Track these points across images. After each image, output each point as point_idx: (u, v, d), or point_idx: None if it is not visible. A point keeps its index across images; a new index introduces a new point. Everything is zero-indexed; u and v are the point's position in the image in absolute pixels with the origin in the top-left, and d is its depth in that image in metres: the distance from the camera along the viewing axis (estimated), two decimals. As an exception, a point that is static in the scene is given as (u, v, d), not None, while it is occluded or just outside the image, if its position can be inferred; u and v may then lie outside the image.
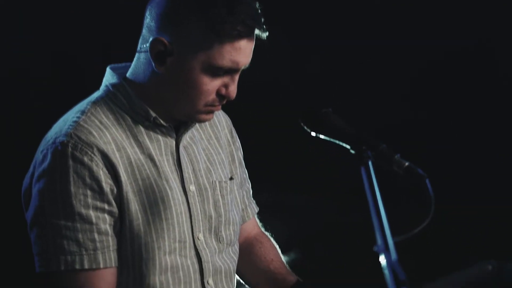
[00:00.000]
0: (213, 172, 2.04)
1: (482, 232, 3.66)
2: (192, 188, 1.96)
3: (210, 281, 1.98)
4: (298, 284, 2.15)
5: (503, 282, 1.50)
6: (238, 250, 2.13)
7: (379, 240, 1.37)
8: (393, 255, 1.31)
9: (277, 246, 2.31)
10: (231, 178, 2.10)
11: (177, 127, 1.98)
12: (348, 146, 1.66)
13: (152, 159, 1.92)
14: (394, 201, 1.48)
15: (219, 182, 2.04)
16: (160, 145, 1.95)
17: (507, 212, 3.60)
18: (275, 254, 2.26)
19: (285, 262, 2.27)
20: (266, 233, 2.36)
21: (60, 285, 1.85)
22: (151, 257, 1.88)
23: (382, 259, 1.31)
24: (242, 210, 2.20)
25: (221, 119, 2.15)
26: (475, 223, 3.68)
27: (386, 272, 1.27)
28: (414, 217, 1.53)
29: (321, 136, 1.75)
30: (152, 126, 1.94)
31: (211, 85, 1.88)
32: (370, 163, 1.57)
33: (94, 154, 1.84)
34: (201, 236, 1.96)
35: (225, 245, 2.03)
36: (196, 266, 1.96)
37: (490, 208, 3.64)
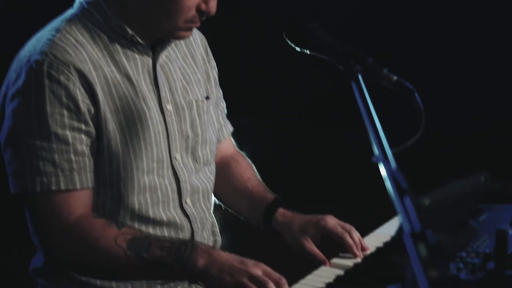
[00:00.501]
0: (189, 91, 2.01)
1: (477, 145, 3.71)
2: (169, 107, 1.93)
3: (188, 201, 1.98)
4: (276, 201, 2.15)
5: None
6: (214, 170, 2.13)
7: (377, 151, 1.35)
8: (393, 164, 1.30)
9: (253, 165, 2.31)
10: (207, 98, 2.08)
11: (153, 45, 1.94)
12: (335, 62, 1.63)
13: (129, 78, 1.88)
14: (387, 114, 1.46)
15: (196, 101, 2.01)
16: (137, 64, 1.91)
17: (500, 125, 3.65)
18: (252, 173, 2.26)
19: (261, 181, 2.26)
20: (242, 152, 2.35)
21: (36, 206, 1.82)
22: (129, 177, 1.86)
23: (382, 169, 1.30)
24: (218, 130, 2.18)
25: (196, 38, 2.11)
26: (469, 136, 3.73)
27: (387, 181, 1.26)
28: (408, 130, 1.53)
29: (308, 52, 1.72)
30: (129, 44, 1.90)
31: (191, 0, 1.82)
32: (360, 76, 1.55)
33: (71, 73, 1.79)
34: (178, 156, 1.95)
35: (201, 164, 2.03)
36: (174, 186, 1.94)
37: (483, 121, 3.69)
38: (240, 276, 1.68)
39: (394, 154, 1.39)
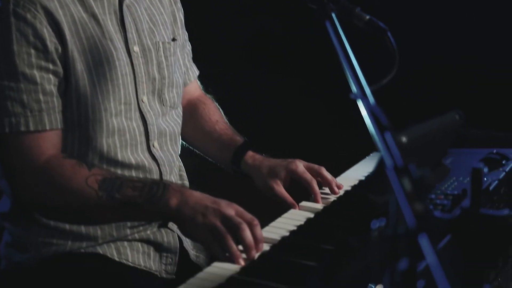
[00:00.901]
0: (156, 33, 1.98)
1: (452, 83, 3.71)
2: (136, 48, 1.90)
3: (156, 144, 1.96)
4: (245, 144, 2.14)
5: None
6: (181, 113, 2.10)
7: (354, 88, 1.33)
8: (371, 100, 1.28)
9: (220, 109, 2.29)
10: (173, 39, 2.05)
11: None
12: (308, 1, 1.60)
13: (95, 18, 1.84)
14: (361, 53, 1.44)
15: (162, 43, 1.98)
16: (103, 4, 1.87)
17: (473, 63, 3.66)
18: (220, 116, 2.25)
19: (229, 123, 2.25)
20: (208, 95, 2.33)
21: (5, 147, 1.78)
22: (98, 119, 1.82)
23: (361, 106, 1.28)
24: (184, 73, 2.16)
25: None
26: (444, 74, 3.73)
27: (367, 118, 1.24)
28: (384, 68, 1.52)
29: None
30: None
31: None
32: (334, 15, 1.52)
33: (38, 11, 1.74)
34: (145, 98, 1.92)
35: (168, 108, 2.00)
36: (142, 128, 1.92)
37: (458, 59, 3.69)
38: (213, 216, 1.66)
39: (372, 92, 1.38)
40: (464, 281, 1.41)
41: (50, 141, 1.80)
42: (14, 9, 1.74)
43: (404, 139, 1.32)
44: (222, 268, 1.62)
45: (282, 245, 1.73)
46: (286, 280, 1.52)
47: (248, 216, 1.67)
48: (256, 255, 1.66)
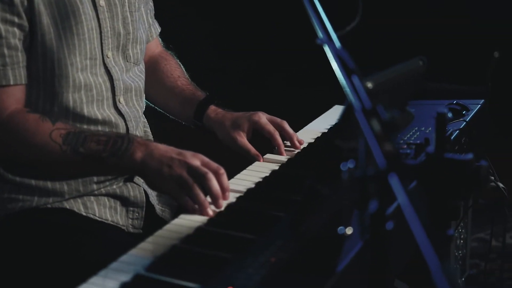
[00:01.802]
0: None
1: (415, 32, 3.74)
2: (102, 2, 1.87)
3: (121, 99, 1.94)
4: (207, 98, 2.13)
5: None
6: (144, 69, 2.08)
7: (320, 33, 1.33)
8: (337, 44, 1.28)
9: (181, 65, 2.28)
10: None
11: None
12: None
13: None
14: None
15: None
16: None
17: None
18: (181, 71, 2.24)
19: (190, 79, 2.23)
20: (170, 52, 2.31)
21: None
22: (64, 74, 1.80)
23: (327, 50, 1.28)
24: (147, 29, 2.13)
25: None
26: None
27: (334, 62, 1.24)
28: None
29: None
30: None
31: None
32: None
33: None
34: (110, 54, 1.89)
35: (132, 64, 1.99)
36: (108, 84, 1.90)
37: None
38: (179, 167, 1.65)
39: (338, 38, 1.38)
40: (428, 227, 1.43)
41: (13, 96, 1.77)
42: None
43: (369, 84, 1.32)
44: (189, 220, 1.62)
45: (248, 196, 1.74)
46: (253, 230, 1.52)
47: (214, 165, 1.67)
48: (223, 204, 1.66)
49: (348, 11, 1.61)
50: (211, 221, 1.61)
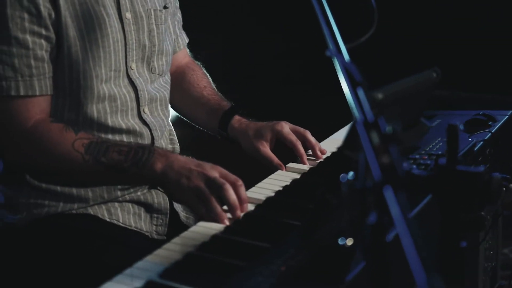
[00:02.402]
0: (148, 0, 1.98)
1: (429, 43, 3.72)
2: (128, 15, 1.91)
3: (146, 110, 1.98)
4: (232, 108, 2.16)
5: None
6: (169, 80, 2.12)
7: (330, 45, 1.34)
8: (346, 57, 1.29)
9: (208, 75, 2.31)
10: (165, 7, 2.06)
11: None
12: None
13: None
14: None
15: (154, 10, 2.00)
16: None
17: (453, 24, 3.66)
18: (208, 82, 2.27)
19: (216, 90, 2.26)
20: (197, 62, 2.35)
21: None
22: (88, 86, 1.85)
23: (336, 63, 1.30)
24: (174, 40, 2.17)
25: None
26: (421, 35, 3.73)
27: (341, 74, 1.26)
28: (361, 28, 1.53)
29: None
30: None
31: None
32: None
33: None
34: (133, 65, 1.94)
35: (157, 75, 2.03)
36: (132, 94, 1.94)
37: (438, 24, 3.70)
38: (197, 179, 1.69)
39: (348, 50, 1.39)
40: (442, 239, 1.43)
41: (39, 106, 1.83)
42: None
43: (380, 95, 1.34)
44: (207, 227, 1.65)
45: (266, 205, 1.76)
46: (268, 239, 1.54)
47: (232, 177, 1.70)
48: (241, 215, 1.69)
49: (363, 20, 1.62)
50: (227, 229, 1.64)
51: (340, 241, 1.20)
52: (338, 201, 1.39)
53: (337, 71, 1.30)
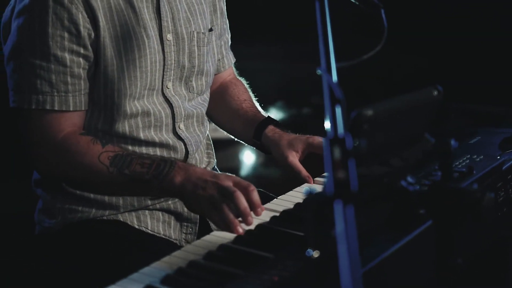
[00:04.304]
0: (192, 22, 2.06)
1: (429, 61, 3.66)
2: (169, 37, 1.98)
3: (182, 126, 2.05)
4: (268, 119, 2.20)
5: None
6: (208, 98, 2.18)
7: (322, 63, 1.38)
8: (334, 77, 1.33)
9: (250, 90, 2.36)
10: (210, 29, 2.12)
11: None
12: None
13: (132, 5, 1.93)
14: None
15: (197, 33, 2.06)
16: None
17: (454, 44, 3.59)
18: (248, 96, 2.33)
19: (256, 104, 2.32)
20: (241, 78, 2.40)
21: (29, 122, 1.92)
22: (122, 103, 1.94)
23: (323, 80, 1.33)
24: (218, 60, 2.24)
25: None
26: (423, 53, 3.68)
27: (324, 90, 1.29)
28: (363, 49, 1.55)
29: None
30: None
31: None
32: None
33: None
34: (170, 84, 2.01)
35: (195, 94, 2.09)
36: (168, 111, 2.01)
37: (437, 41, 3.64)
38: (211, 189, 1.75)
39: (347, 67, 1.42)
40: (438, 258, 1.43)
41: (71, 121, 1.93)
42: None
43: (369, 112, 1.35)
44: (218, 237, 1.71)
45: (282, 217, 1.80)
46: (274, 249, 1.58)
47: (245, 183, 1.75)
48: (255, 223, 1.73)
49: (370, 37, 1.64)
50: (238, 238, 1.69)
51: (307, 253, 1.23)
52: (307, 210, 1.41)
53: (322, 87, 1.33)
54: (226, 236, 1.71)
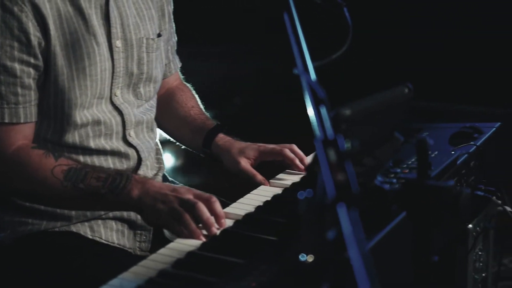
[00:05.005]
0: (141, 28, 2.00)
1: (400, 60, 3.73)
2: (118, 43, 1.93)
3: (132, 133, 1.99)
4: (217, 127, 2.17)
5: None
6: (155, 104, 2.13)
7: (298, 64, 1.35)
8: (313, 76, 1.30)
9: (197, 96, 2.33)
10: (159, 35, 2.06)
11: None
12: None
13: (81, 12, 1.86)
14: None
15: (147, 39, 2.01)
16: None
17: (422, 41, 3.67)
18: (196, 102, 2.29)
19: (204, 110, 2.28)
20: (188, 84, 2.36)
21: None
22: (72, 113, 1.87)
23: (302, 80, 1.31)
24: (166, 65, 2.19)
25: None
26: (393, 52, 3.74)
27: (306, 92, 1.27)
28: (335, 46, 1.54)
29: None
30: None
31: None
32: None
33: (25, 5, 1.78)
34: (118, 92, 1.95)
35: (143, 101, 2.03)
36: (118, 118, 1.96)
37: (407, 38, 3.71)
38: (172, 202, 1.71)
39: (319, 67, 1.40)
40: (415, 254, 1.43)
41: (22, 133, 1.85)
42: (2, 1, 1.77)
43: (348, 111, 1.34)
44: (184, 244, 1.66)
45: (245, 221, 1.77)
46: (243, 255, 1.54)
47: (206, 195, 1.72)
48: (218, 231, 1.69)
49: (337, 37, 1.63)
50: (204, 245, 1.64)
51: (300, 258, 1.20)
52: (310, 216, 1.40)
53: (303, 89, 1.31)
54: (190, 243, 1.66)
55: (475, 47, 3.69)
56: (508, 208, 2.01)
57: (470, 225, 2.10)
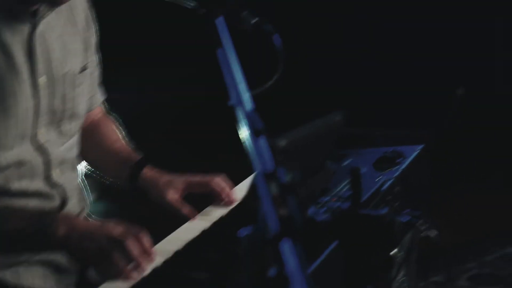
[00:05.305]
0: (66, 62, 1.93)
1: (334, 84, 3.77)
2: (42, 80, 1.84)
3: (57, 171, 1.91)
4: (143, 159, 2.13)
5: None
6: (78, 139, 2.05)
7: (232, 95, 1.33)
8: (248, 106, 1.28)
9: (121, 128, 2.28)
10: (84, 69, 1.99)
11: (33, 12, 1.82)
12: (194, 6, 1.56)
13: (4, 49, 1.77)
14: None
15: (72, 75, 1.93)
16: (14, 33, 1.79)
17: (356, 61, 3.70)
18: (120, 135, 2.25)
19: (129, 143, 2.23)
20: (113, 115, 2.30)
21: None
22: None
23: (238, 112, 1.28)
24: (90, 98, 2.12)
25: (76, 4, 2.01)
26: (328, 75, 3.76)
27: (243, 124, 1.25)
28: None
29: (166, -1, 1.65)
30: (7, 10, 1.77)
31: None
32: (222, 19, 1.48)
33: None
34: (42, 130, 1.86)
35: (67, 137, 1.95)
36: (41, 158, 1.86)
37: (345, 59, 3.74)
38: (100, 240, 1.65)
39: (254, 96, 1.38)
40: (348, 284, 1.43)
41: None
42: None
43: (282, 142, 1.32)
44: (113, 286, 1.61)
45: (174, 259, 1.72)
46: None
47: (134, 229, 1.67)
48: (149, 268, 1.65)
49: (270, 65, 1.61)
50: (133, 287, 1.59)
51: (245, 294, 1.17)
52: (244, 252, 1.37)
53: (238, 121, 1.28)
54: (118, 285, 1.61)
55: (391, 71, 3.79)
56: (433, 233, 2.03)
57: (394, 251, 2.12)
